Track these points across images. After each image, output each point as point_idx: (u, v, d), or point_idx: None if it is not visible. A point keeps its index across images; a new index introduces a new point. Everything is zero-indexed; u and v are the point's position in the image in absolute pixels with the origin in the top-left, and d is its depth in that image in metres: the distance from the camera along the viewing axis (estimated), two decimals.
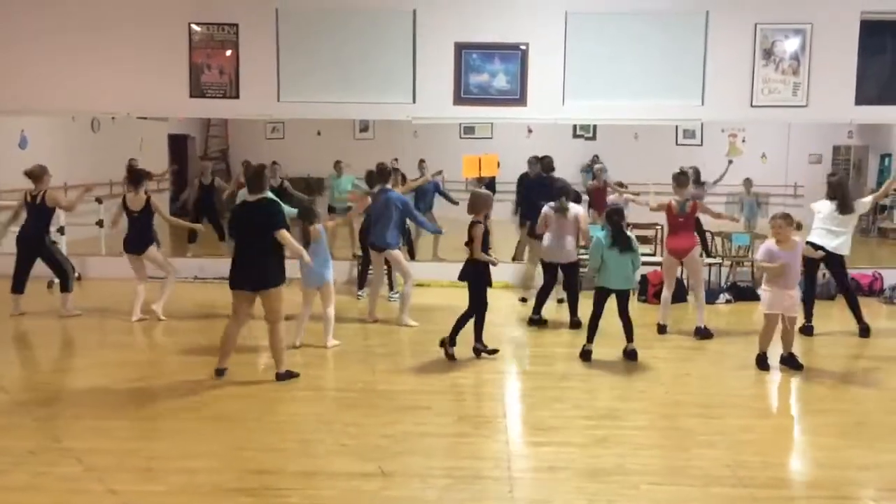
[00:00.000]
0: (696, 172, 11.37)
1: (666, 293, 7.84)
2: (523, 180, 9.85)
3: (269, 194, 6.12)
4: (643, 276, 9.44)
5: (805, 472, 4.61)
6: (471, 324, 6.75)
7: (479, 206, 6.79)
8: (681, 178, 7.73)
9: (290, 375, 6.08)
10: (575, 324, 7.93)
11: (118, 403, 5.58)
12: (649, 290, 9.30)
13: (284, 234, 5.94)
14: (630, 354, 6.74)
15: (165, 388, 5.89)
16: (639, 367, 6.60)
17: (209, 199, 11.36)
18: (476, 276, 6.70)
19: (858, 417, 5.48)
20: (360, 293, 9.32)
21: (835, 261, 7.81)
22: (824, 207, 7.79)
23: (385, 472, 4.37)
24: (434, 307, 8.79)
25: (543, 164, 9.35)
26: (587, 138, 14.58)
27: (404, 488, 4.23)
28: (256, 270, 5.89)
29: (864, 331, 7.76)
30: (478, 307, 6.72)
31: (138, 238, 8.06)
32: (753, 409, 5.78)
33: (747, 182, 12.24)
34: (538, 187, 8.95)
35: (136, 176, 8.15)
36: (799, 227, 6.58)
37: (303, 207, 7.05)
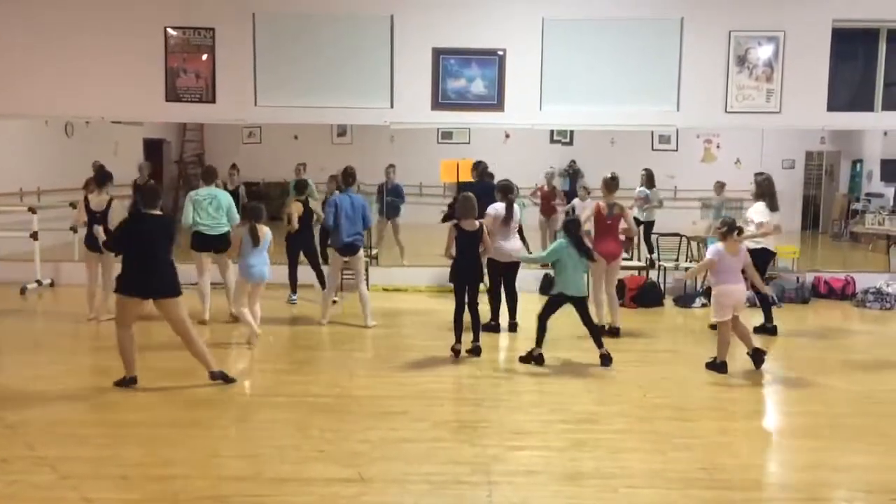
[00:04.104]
0: (650, 176, 11.57)
1: (601, 295, 7.95)
2: (462, 186, 9.65)
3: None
4: (620, 281, 9.48)
5: (779, 474, 4.66)
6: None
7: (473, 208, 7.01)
8: (611, 183, 7.89)
9: (225, 376, 6.03)
10: (513, 326, 7.99)
11: (92, 410, 5.53)
12: (627, 295, 9.35)
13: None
14: (604, 359, 6.77)
15: (140, 395, 5.82)
16: (615, 370, 6.64)
17: None
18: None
19: (831, 420, 5.55)
20: (293, 297, 9.26)
21: (763, 256, 7.94)
22: (760, 209, 7.93)
23: (363, 478, 4.36)
24: (406, 311, 8.81)
25: (479, 170, 9.27)
26: (564, 143, 14.70)
27: (382, 494, 4.22)
28: (160, 279, 5.86)
29: (772, 330, 7.96)
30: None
31: (97, 237, 8.07)
32: (729, 411, 5.84)
33: (718, 185, 12.41)
34: (478, 192, 8.97)
35: (100, 176, 8.17)
36: (740, 232, 6.82)
37: (247, 207, 7.16)
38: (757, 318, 8.04)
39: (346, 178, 8.14)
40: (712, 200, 12.46)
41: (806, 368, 6.87)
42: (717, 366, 6.64)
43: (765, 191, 8.01)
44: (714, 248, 6.74)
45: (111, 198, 8.03)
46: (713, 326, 7.80)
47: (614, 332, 7.76)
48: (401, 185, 11.75)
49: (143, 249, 5.86)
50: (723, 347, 6.65)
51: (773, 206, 7.94)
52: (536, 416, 5.50)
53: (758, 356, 6.65)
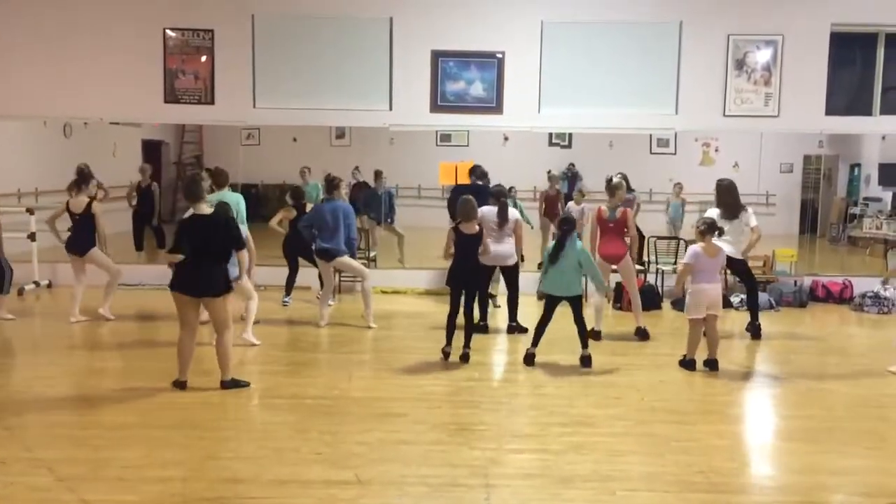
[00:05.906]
0: (625, 180, 11.56)
1: (600, 300, 7.96)
2: (458, 188, 9.62)
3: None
4: (618, 284, 9.48)
5: (777, 478, 4.66)
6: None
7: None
8: (613, 187, 7.98)
9: (237, 384, 6.02)
10: (512, 328, 7.98)
11: (90, 412, 5.52)
12: (624, 298, 9.34)
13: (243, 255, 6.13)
14: (584, 360, 6.78)
15: (138, 396, 5.80)
16: (614, 374, 6.64)
17: (147, 202, 11.59)
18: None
19: (829, 423, 5.56)
20: (285, 300, 9.26)
21: (737, 265, 8.01)
22: (713, 215, 7.73)
23: (361, 480, 4.36)
24: (405, 314, 8.80)
25: (477, 173, 9.26)
26: (563, 146, 14.70)
27: (380, 496, 4.22)
28: (204, 278, 5.86)
29: (756, 329, 7.97)
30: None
31: (79, 240, 8.14)
32: (726, 415, 5.85)
33: (677, 186, 12.47)
34: (472, 194, 8.96)
35: (81, 178, 8.21)
36: (720, 233, 6.90)
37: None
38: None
39: (328, 185, 8.20)
40: (669, 204, 12.52)
41: (803, 372, 6.88)
42: (687, 363, 6.74)
43: (721, 198, 7.95)
44: (691, 250, 6.81)
45: (91, 200, 8.12)
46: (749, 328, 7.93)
47: (643, 334, 7.83)
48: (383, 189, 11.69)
49: (193, 247, 5.87)
50: (692, 345, 6.76)
51: (728, 213, 7.81)
52: (534, 419, 5.51)
53: (712, 365, 6.72)
